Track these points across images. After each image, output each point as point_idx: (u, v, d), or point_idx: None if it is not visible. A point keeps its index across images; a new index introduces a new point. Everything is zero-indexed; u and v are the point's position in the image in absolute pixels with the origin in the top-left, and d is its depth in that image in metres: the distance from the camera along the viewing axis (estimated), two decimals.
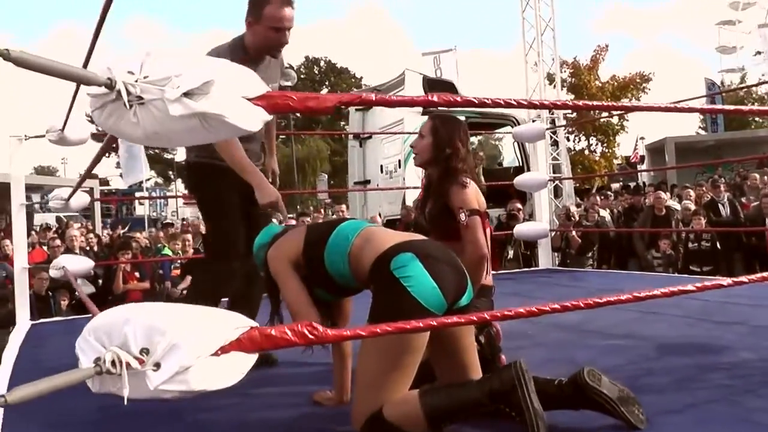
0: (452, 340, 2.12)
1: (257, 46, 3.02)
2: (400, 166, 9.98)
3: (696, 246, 7.89)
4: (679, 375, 2.63)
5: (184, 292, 8.14)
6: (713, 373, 2.64)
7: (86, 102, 1.27)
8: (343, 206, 11.40)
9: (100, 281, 8.05)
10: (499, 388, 1.92)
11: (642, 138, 27.00)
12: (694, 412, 2.21)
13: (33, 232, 12.11)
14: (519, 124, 9.30)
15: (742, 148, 21.51)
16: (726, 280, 2.21)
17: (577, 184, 14.67)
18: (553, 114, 10.02)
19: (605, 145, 27.60)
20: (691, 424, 2.11)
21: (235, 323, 1.28)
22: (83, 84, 1.18)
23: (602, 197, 10.41)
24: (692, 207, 8.50)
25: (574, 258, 8.28)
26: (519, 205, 8.31)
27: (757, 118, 31.19)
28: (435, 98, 1.45)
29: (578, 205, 10.37)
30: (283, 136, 32.98)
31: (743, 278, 2.22)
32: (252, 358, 1.29)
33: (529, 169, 8.55)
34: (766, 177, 10.82)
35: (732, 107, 2.71)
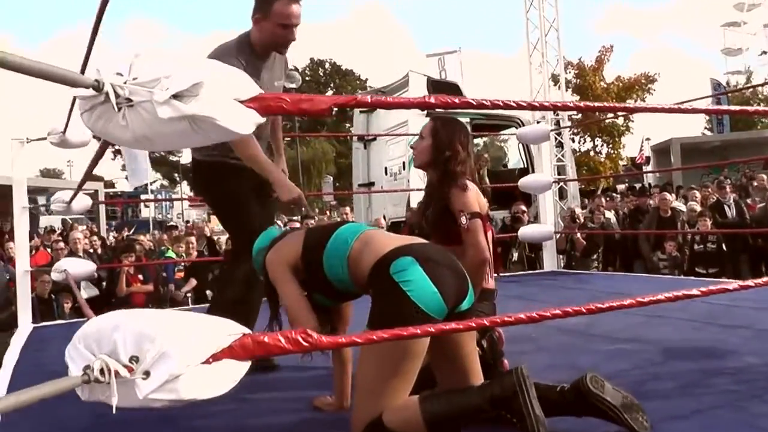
0: (453, 345, 2.09)
1: (264, 42, 3.00)
2: (404, 168, 9.95)
3: (702, 248, 7.85)
4: (684, 380, 2.60)
5: (188, 295, 8.14)
6: (718, 378, 2.61)
7: None
8: (347, 208, 11.38)
9: (104, 284, 8.04)
10: (500, 394, 1.89)
11: (647, 139, 26.94)
12: (699, 418, 2.18)
13: (35, 235, 12.12)
14: (524, 125, 9.26)
15: (748, 148, 21.43)
16: (732, 284, 2.17)
17: (582, 186, 14.65)
18: (557, 115, 9.99)
19: (610, 146, 27.48)
20: (697, 431, 2.08)
21: (226, 330, 1.25)
22: (69, 86, 1.16)
23: (607, 199, 10.39)
24: (698, 208, 8.46)
25: (579, 260, 8.23)
26: (523, 207, 8.28)
27: (763, 119, 31.10)
28: (432, 99, 1.42)
29: (583, 207, 10.34)
30: (289, 138, 32.98)
31: (749, 282, 2.19)
32: (245, 366, 1.26)
33: (533, 171, 8.52)
34: None
35: (737, 108, 2.67)
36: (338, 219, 10.37)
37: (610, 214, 9.44)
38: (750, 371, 2.69)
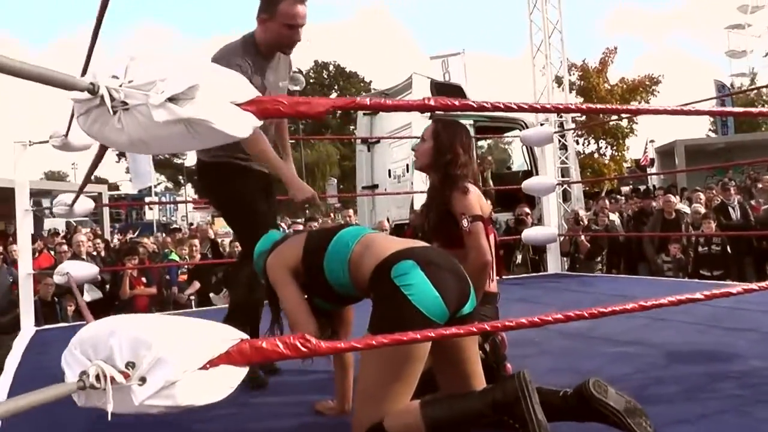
0: (455, 349, 2.08)
1: (269, 42, 2.99)
2: (408, 171, 9.94)
3: (706, 250, 7.81)
4: (688, 384, 2.58)
5: (191, 297, 8.13)
6: (723, 382, 2.58)
7: None
8: (351, 211, 11.35)
9: (107, 287, 8.03)
10: (502, 399, 1.87)
11: (652, 141, 26.89)
12: (703, 423, 2.16)
13: (38, 238, 12.12)
14: (528, 127, 9.24)
15: (752, 150, 21.31)
16: (735, 288, 2.15)
17: (586, 188, 14.61)
18: (561, 117, 9.96)
19: (614, 148, 27.41)
20: None
21: (224, 335, 1.23)
22: (64, 89, 1.15)
23: (611, 201, 10.34)
24: (702, 210, 8.43)
25: (583, 263, 8.21)
26: (527, 210, 8.26)
27: (767, 121, 30.99)
28: (432, 102, 1.40)
29: (587, 209, 10.30)
30: (293, 141, 32.92)
31: (753, 285, 2.17)
32: (242, 372, 1.24)
33: (537, 173, 8.49)
34: None
35: (742, 109, 2.65)
36: (342, 221, 10.35)
37: (614, 217, 9.40)
38: (755, 375, 2.67)
